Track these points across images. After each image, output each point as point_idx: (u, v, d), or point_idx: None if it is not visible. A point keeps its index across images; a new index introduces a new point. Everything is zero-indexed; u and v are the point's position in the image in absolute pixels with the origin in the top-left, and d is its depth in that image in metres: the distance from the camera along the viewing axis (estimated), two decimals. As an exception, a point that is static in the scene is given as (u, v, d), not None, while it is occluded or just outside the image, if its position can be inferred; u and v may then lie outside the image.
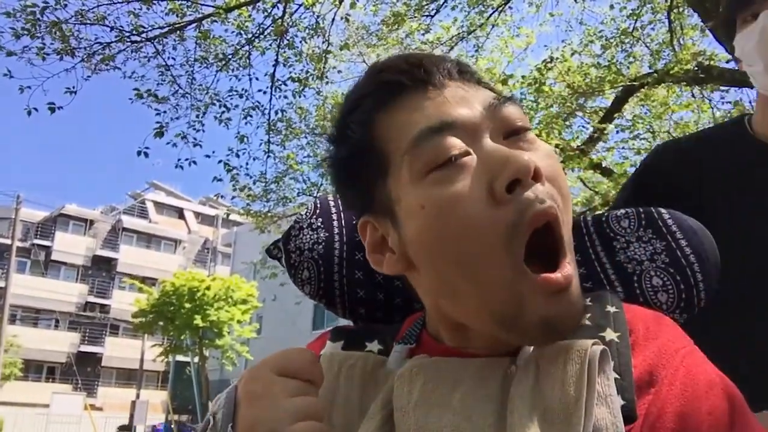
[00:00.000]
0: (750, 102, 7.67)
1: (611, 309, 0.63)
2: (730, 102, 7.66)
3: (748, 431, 0.56)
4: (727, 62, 6.62)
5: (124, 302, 34.60)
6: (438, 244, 0.60)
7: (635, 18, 7.94)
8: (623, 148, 8.32)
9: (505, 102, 0.64)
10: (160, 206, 44.20)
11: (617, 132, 8.22)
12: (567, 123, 8.12)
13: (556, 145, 6.96)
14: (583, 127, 8.57)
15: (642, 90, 7.63)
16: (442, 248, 0.60)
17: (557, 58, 7.71)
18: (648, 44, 8.26)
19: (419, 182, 0.61)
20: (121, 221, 40.82)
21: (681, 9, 7.58)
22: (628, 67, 7.90)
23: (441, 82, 0.64)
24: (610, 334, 0.60)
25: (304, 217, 0.92)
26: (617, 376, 0.56)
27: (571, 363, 0.55)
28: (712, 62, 7.02)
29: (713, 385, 0.57)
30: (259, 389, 0.56)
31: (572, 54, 8.00)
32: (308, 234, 0.89)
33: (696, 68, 6.79)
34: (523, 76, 7.63)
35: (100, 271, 39.94)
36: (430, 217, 0.60)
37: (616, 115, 7.87)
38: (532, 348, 0.60)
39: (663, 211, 0.75)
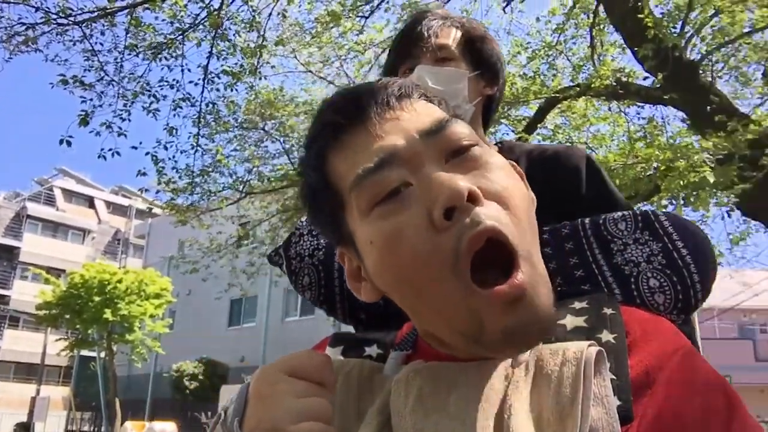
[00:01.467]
0: (662, 118, 8.22)
1: (607, 311, 0.65)
2: (644, 117, 8.18)
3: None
4: (644, 79, 7.05)
5: (26, 293, 32.81)
6: (391, 276, 0.62)
7: (560, 32, 8.32)
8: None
9: (445, 123, 0.64)
10: (68, 194, 42.13)
11: (538, 142, 8.59)
12: (493, 130, 8.42)
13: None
14: (507, 134, 8.90)
15: (564, 102, 8.00)
16: (396, 279, 0.62)
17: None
18: (570, 58, 8.67)
19: (366, 218, 0.62)
20: (26, 208, 38.60)
21: (602, 26, 7.99)
22: (552, 79, 8.25)
23: (379, 115, 0.64)
24: (606, 336, 0.61)
25: (304, 223, 0.93)
26: (613, 377, 0.56)
27: (567, 365, 0.56)
28: (630, 79, 7.45)
29: (711, 385, 0.58)
30: (268, 388, 0.57)
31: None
32: (308, 240, 0.90)
33: (615, 84, 7.20)
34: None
35: (1, 260, 37.74)
36: (379, 251, 0.62)
37: (539, 125, 8.21)
38: (528, 351, 0.60)
39: (660, 213, 0.76)
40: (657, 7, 6.84)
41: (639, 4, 6.27)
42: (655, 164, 6.40)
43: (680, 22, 6.51)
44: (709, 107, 6.18)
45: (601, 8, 7.38)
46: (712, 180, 5.16)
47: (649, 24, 5.96)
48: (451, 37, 1.26)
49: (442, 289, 0.58)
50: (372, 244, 0.62)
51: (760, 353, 22.80)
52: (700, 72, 6.61)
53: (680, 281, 0.71)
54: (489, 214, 0.58)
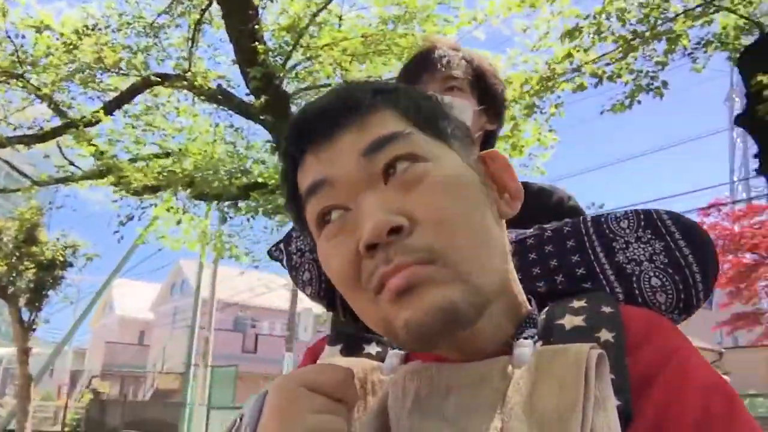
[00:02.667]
0: (252, 133, 8.88)
1: (606, 309, 0.64)
2: (232, 126, 8.78)
3: None
4: (247, 95, 7.52)
5: None
6: (340, 291, 0.65)
7: (163, 13, 8.07)
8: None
9: (388, 139, 0.61)
10: None
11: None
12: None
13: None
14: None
15: (158, 86, 8.00)
16: (344, 295, 0.65)
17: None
18: (164, 43, 8.45)
19: (318, 238, 0.65)
20: None
21: (202, 28, 8.02)
22: (156, 62, 8.21)
23: (326, 138, 0.63)
24: (605, 335, 0.60)
25: None
26: (613, 376, 0.56)
27: (568, 367, 0.54)
28: (231, 88, 7.91)
29: (711, 386, 0.57)
30: (284, 401, 0.55)
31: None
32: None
33: (217, 88, 7.61)
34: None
35: None
36: (324, 268, 0.65)
37: (126, 104, 8.12)
38: (528, 350, 0.59)
39: (662, 211, 0.75)
40: (271, 40, 7.44)
41: (256, 27, 6.85)
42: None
43: (284, 59, 7.24)
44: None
45: (216, 8, 7.51)
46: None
47: (260, 51, 6.57)
48: (462, 69, 1.31)
49: (362, 303, 0.61)
50: (321, 261, 0.66)
51: (247, 345, 27.74)
52: (292, 104, 7.52)
53: (682, 281, 0.70)
54: (413, 244, 0.57)
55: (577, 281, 0.74)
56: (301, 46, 7.27)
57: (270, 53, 6.94)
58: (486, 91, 1.32)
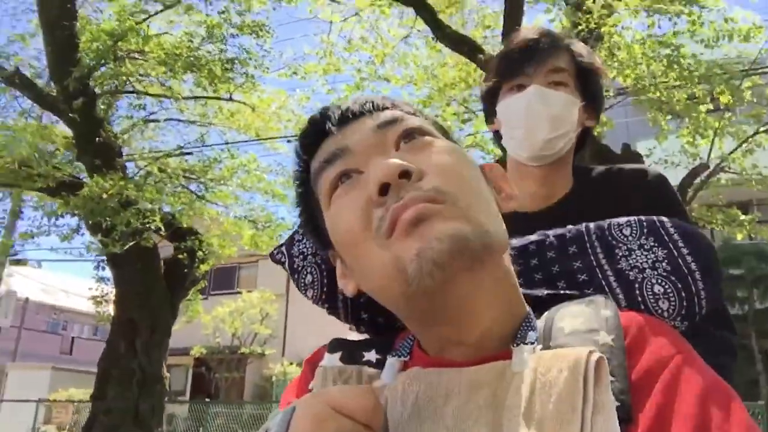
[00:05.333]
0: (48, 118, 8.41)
1: (605, 313, 0.64)
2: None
3: None
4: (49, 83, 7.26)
5: None
6: (344, 255, 0.68)
7: None
8: None
9: (401, 117, 0.69)
10: None
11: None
12: None
13: None
14: None
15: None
16: (348, 259, 0.67)
17: None
18: None
19: (328, 209, 0.68)
20: None
21: None
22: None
23: (343, 124, 0.69)
24: (604, 338, 0.60)
25: None
26: (612, 378, 0.56)
27: (568, 371, 0.55)
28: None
29: (709, 388, 0.57)
30: (312, 421, 0.54)
31: None
32: None
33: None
34: None
35: None
36: (333, 234, 0.68)
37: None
38: (527, 354, 0.60)
39: (665, 219, 0.75)
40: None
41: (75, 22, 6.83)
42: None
43: (98, 61, 7.16)
44: (97, 137, 7.06)
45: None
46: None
47: (81, 50, 6.57)
48: (566, 62, 1.25)
49: (371, 252, 0.62)
50: (330, 229, 0.68)
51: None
52: (100, 105, 7.45)
53: (685, 288, 0.70)
54: (422, 186, 0.61)
55: (579, 287, 0.75)
56: (115, 51, 7.34)
57: (86, 52, 6.95)
58: (589, 86, 1.26)
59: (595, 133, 5.68)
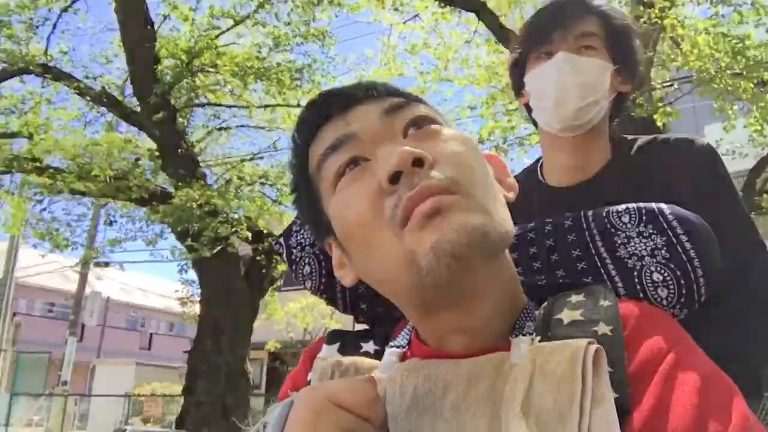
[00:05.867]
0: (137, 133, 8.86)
1: (604, 303, 0.63)
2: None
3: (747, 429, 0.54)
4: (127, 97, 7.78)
5: None
6: (349, 244, 0.66)
7: None
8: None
9: (407, 102, 0.68)
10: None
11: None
12: None
13: None
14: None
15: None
16: (354, 248, 0.65)
17: None
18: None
19: (332, 197, 0.66)
20: None
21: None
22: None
23: (346, 109, 0.67)
24: (602, 328, 0.60)
25: None
26: (611, 369, 0.55)
27: (565, 364, 0.54)
28: (112, 91, 8.05)
29: (709, 378, 0.57)
30: (311, 414, 0.53)
31: None
32: None
33: (102, 90, 7.83)
34: None
35: None
36: (338, 222, 0.66)
37: None
38: (525, 346, 0.59)
39: (664, 206, 0.75)
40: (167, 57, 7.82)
41: (155, 42, 7.29)
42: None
43: (177, 77, 7.61)
44: (179, 149, 7.51)
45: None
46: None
47: (160, 67, 7.01)
48: (595, 25, 1.20)
49: (384, 241, 0.60)
50: (335, 218, 0.66)
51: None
52: (179, 118, 7.86)
53: (684, 276, 0.70)
54: (435, 175, 0.60)
55: (578, 275, 0.75)
56: (191, 67, 7.75)
57: (166, 69, 7.40)
58: (621, 49, 1.21)
59: (661, 124, 5.75)
